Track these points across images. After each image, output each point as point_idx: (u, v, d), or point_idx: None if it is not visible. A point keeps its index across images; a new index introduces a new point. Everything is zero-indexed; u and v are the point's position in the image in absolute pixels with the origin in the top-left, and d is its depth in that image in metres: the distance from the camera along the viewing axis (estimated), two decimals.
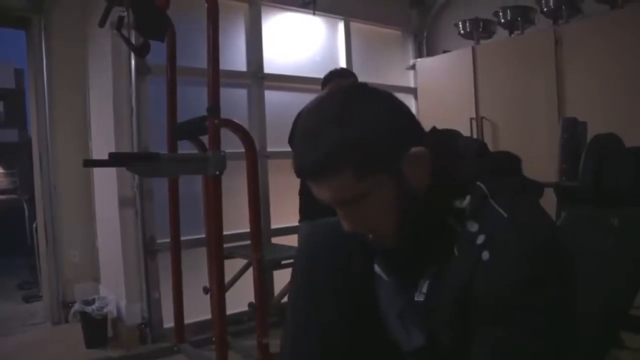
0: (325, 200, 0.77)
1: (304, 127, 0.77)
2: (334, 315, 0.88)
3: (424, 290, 0.79)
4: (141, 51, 2.17)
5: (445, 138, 0.87)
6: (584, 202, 1.28)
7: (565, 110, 2.96)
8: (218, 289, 1.97)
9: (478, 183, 0.76)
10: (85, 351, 2.74)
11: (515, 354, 0.69)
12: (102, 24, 2.21)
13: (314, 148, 0.73)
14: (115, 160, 2.05)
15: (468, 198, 0.76)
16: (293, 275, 0.97)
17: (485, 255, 0.70)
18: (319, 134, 0.73)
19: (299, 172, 0.78)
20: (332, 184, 0.74)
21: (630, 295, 1.14)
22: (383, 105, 0.77)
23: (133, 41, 2.39)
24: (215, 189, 1.96)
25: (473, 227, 0.74)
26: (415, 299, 0.80)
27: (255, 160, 2.05)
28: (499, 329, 0.69)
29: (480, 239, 0.72)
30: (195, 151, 2.33)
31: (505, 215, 0.72)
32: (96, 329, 2.80)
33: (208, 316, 2.66)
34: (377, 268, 0.89)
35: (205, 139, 2.09)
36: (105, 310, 2.81)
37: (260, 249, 2.05)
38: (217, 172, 1.94)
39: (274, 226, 3.31)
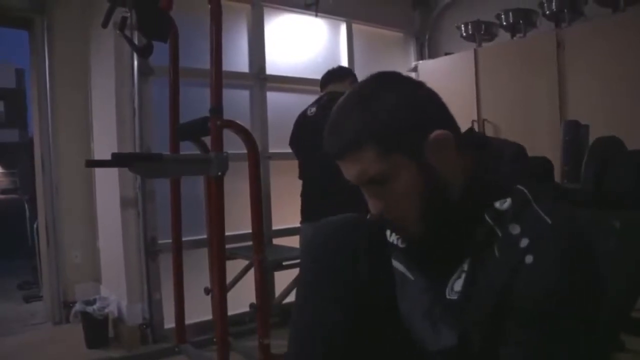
0: (352, 180, 0.81)
1: (334, 112, 0.82)
2: (336, 316, 0.88)
3: (457, 288, 0.79)
4: (144, 52, 2.18)
5: (483, 139, 0.87)
6: (586, 205, 1.28)
7: (567, 113, 2.95)
8: (219, 289, 1.97)
9: (519, 186, 0.76)
10: (86, 351, 2.74)
11: (545, 357, 0.69)
12: (105, 24, 2.21)
13: (340, 129, 0.79)
14: (117, 160, 2.05)
15: (509, 201, 0.76)
16: (298, 276, 0.97)
17: (529, 258, 0.70)
18: (345, 117, 0.80)
19: (328, 154, 0.81)
20: (355, 161, 0.78)
21: (632, 297, 1.14)
22: (409, 92, 0.81)
23: (136, 42, 2.40)
24: (217, 189, 1.96)
25: (515, 229, 0.73)
26: (447, 296, 0.80)
27: (257, 161, 2.05)
28: (532, 332, 0.69)
29: (524, 243, 0.72)
30: (198, 152, 2.34)
31: (549, 221, 0.72)
32: (97, 329, 2.80)
33: (209, 317, 2.68)
34: (396, 264, 0.89)
35: (207, 140, 2.10)
36: (106, 310, 2.81)
37: (261, 250, 2.05)
38: (219, 173, 1.95)
39: (275, 227, 3.31)
